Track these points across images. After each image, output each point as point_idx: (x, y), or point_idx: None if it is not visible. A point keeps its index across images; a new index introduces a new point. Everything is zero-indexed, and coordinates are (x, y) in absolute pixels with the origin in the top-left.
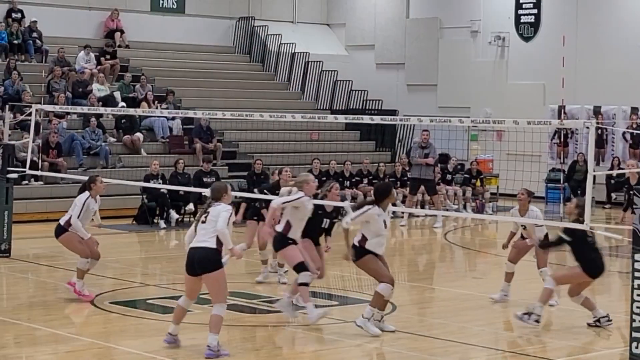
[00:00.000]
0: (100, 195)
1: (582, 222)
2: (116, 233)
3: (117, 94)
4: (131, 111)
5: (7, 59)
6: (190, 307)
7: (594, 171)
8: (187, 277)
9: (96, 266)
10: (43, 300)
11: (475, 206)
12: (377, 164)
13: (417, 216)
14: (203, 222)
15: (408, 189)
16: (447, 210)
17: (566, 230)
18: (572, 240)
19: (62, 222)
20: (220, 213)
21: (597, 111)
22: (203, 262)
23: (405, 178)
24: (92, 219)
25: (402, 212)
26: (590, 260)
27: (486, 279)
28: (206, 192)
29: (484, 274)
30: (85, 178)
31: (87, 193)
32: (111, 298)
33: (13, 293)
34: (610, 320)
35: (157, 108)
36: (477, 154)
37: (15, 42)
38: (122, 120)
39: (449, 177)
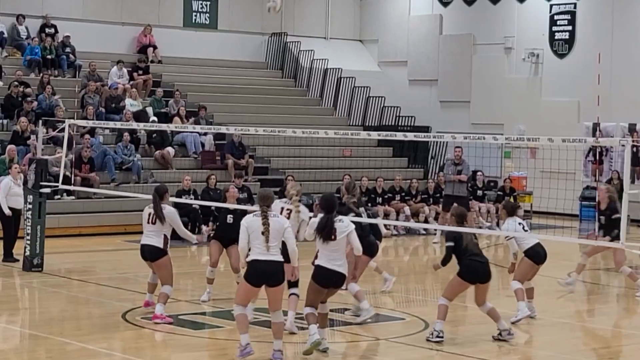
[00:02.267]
0: (130, 210)
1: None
2: None
3: (150, 109)
4: (163, 126)
5: (41, 74)
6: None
7: (629, 189)
8: (249, 288)
9: (128, 281)
10: (74, 315)
11: None
12: (409, 181)
13: None
14: (264, 233)
15: (441, 206)
16: (480, 227)
17: (448, 237)
18: (454, 246)
19: (159, 244)
20: (286, 230)
21: (632, 129)
22: (278, 275)
23: (438, 195)
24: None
25: (435, 229)
26: (466, 265)
27: None
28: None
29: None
30: (119, 192)
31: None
32: (142, 313)
33: (45, 307)
34: (512, 334)
35: (189, 123)
36: (511, 171)
37: (49, 57)
38: (153, 135)
39: (479, 193)
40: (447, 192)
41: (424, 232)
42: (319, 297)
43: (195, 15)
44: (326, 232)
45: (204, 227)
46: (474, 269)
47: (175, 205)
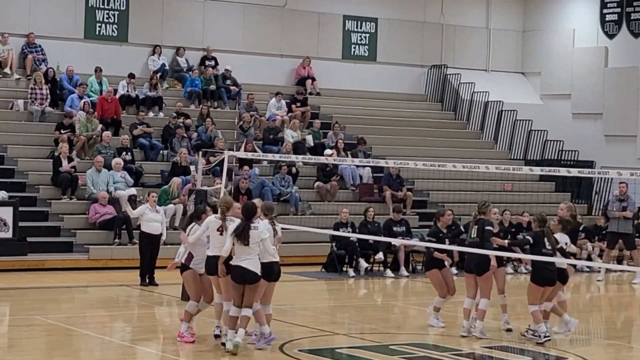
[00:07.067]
0: (288, 242)
1: None
2: (305, 280)
3: (309, 138)
4: (321, 159)
5: (201, 106)
6: None
7: None
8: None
9: (285, 313)
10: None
11: None
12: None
13: (615, 271)
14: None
15: (605, 243)
16: None
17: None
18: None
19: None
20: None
21: None
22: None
23: (603, 232)
24: None
25: (599, 267)
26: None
27: None
28: (396, 241)
29: None
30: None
31: None
32: (299, 346)
33: (202, 337)
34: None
35: (347, 156)
36: None
37: (210, 87)
38: (327, 168)
39: None
40: (611, 229)
41: (587, 269)
42: None
43: (354, 48)
44: None
45: (361, 261)
46: None
47: (334, 238)
